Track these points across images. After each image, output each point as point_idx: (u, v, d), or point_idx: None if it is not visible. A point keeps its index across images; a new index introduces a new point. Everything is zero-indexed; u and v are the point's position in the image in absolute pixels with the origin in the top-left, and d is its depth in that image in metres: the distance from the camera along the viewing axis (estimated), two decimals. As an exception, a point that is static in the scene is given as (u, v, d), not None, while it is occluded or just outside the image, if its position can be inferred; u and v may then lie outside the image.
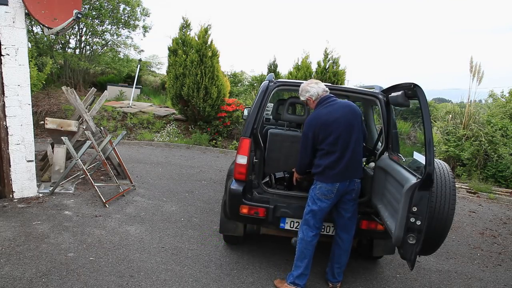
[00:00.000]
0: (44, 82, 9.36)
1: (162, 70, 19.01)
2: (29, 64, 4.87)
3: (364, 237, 3.57)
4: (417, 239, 2.44)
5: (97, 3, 12.46)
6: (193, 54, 9.50)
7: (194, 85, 9.48)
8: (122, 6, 13.27)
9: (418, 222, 2.42)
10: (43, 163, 6.06)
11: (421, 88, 2.52)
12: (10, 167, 4.60)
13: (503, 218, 6.00)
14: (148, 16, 14.56)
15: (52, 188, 4.95)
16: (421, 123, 2.51)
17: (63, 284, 2.89)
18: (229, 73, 15.73)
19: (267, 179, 3.73)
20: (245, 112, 5.85)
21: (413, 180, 2.45)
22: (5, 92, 4.45)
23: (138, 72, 13.60)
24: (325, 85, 3.17)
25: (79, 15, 4.77)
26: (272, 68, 13.21)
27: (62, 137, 4.87)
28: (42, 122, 5.44)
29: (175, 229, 4.17)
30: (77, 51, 13.87)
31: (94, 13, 12.60)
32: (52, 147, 5.49)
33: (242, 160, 3.22)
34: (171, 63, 9.89)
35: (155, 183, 5.93)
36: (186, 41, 9.80)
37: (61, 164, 5.27)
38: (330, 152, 2.93)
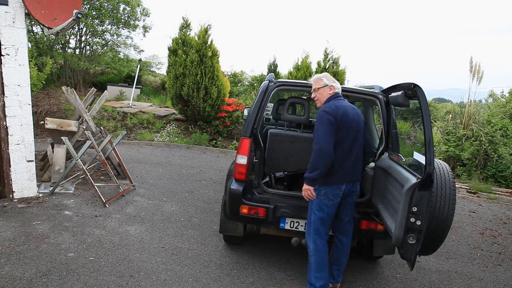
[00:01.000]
0: (44, 82, 9.36)
1: (162, 70, 19.02)
2: (29, 64, 4.87)
3: (364, 237, 3.57)
4: (417, 239, 2.44)
5: (97, 3, 12.46)
6: (193, 54, 9.50)
7: (194, 85, 9.48)
8: (122, 6, 13.26)
9: (418, 222, 2.42)
10: (43, 163, 6.06)
11: (421, 88, 2.52)
12: (10, 167, 4.60)
13: (503, 218, 6.00)
14: (148, 16, 14.57)
15: (52, 188, 4.95)
16: (421, 123, 2.51)
17: (63, 284, 2.89)
18: (229, 73, 15.73)
19: (267, 179, 3.73)
20: (245, 112, 5.85)
21: (413, 180, 2.45)
22: (5, 92, 4.44)
23: (138, 72, 13.60)
24: None
25: (79, 15, 4.77)
26: (272, 68, 13.21)
27: (62, 137, 4.87)
28: (42, 122, 5.44)
29: (175, 229, 4.17)
30: (77, 51, 13.87)
31: (94, 13, 12.59)
32: (52, 147, 5.49)
33: (242, 160, 3.22)
34: (171, 63, 9.89)
35: (155, 183, 5.93)
36: (186, 41, 9.80)
37: (61, 164, 5.27)
38: (340, 149, 2.82)
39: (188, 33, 9.93)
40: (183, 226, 4.28)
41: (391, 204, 2.78)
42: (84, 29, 13.23)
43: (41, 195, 4.83)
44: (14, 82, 4.48)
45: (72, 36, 13.49)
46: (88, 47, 14.05)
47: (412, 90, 2.64)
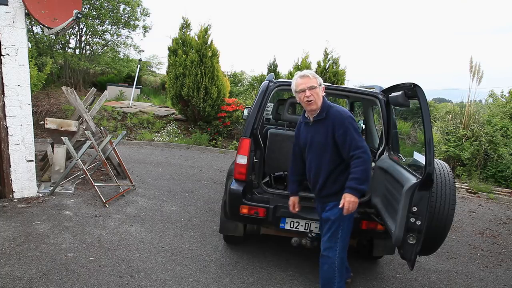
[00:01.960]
0: (44, 82, 9.37)
1: (162, 70, 19.01)
2: (29, 64, 4.87)
3: (364, 237, 3.57)
4: (417, 239, 2.44)
5: (97, 3, 12.46)
6: (193, 54, 9.51)
7: (194, 85, 9.48)
8: (122, 6, 13.27)
9: (418, 222, 2.41)
10: (43, 163, 6.06)
11: (421, 88, 2.52)
12: (10, 167, 4.60)
13: (503, 218, 6.00)
14: (148, 16, 14.57)
15: (52, 188, 4.95)
16: (421, 123, 2.51)
17: (63, 284, 2.89)
18: (229, 73, 15.72)
19: (267, 179, 3.73)
20: (245, 112, 5.85)
21: (413, 180, 2.45)
22: (5, 92, 4.44)
23: (138, 72, 13.60)
24: (326, 85, 3.17)
25: (79, 15, 4.77)
26: (272, 68, 13.21)
27: (62, 137, 4.88)
28: (42, 122, 5.44)
29: (175, 229, 4.17)
30: (77, 51, 13.87)
31: (94, 13, 12.60)
32: (52, 147, 5.50)
33: (242, 160, 3.22)
34: (171, 63, 9.89)
35: (155, 183, 5.93)
36: (186, 41, 9.80)
37: (61, 164, 5.27)
38: None
39: (188, 33, 9.94)
40: (183, 226, 4.28)
41: (391, 204, 2.78)
42: (84, 29, 13.23)
43: (41, 195, 4.83)
44: (14, 82, 4.48)
45: (72, 36, 13.51)
46: (88, 47, 14.05)
47: (412, 90, 2.64)
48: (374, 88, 3.65)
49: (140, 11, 13.95)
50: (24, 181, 4.72)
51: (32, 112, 4.77)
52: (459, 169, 8.46)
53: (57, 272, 3.06)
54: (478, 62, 8.72)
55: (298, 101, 2.75)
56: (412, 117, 11.53)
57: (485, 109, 10.71)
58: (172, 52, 9.92)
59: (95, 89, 6.69)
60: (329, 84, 3.83)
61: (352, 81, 22.80)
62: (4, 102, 4.45)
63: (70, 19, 4.75)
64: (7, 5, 4.30)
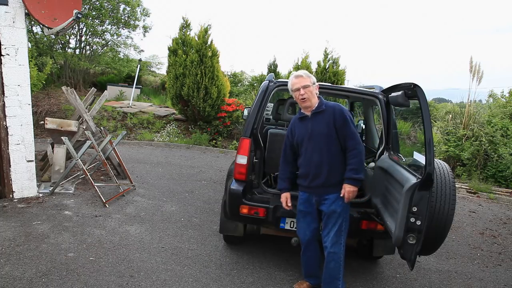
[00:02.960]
0: (44, 82, 9.37)
1: (162, 70, 19.02)
2: (29, 64, 4.87)
3: (364, 237, 3.57)
4: (417, 239, 2.44)
5: (97, 3, 12.46)
6: (193, 54, 9.51)
7: (194, 85, 9.48)
8: (122, 6, 13.27)
9: (418, 222, 2.41)
10: (43, 163, 6.06)
11: (421, 88, 2.52)
12: (10, 167, 4.60)
13: (503, 218, 6.00)
14: (148, 16, 14.58)
15: (52, 188, 4.95)
16: (421, 123, 2.51)
17: (63, 284, 2.89)
18: (229, 73, 15.73)
19: (267, 179, 3.73)
20: (245, 112, 5.85)
21: (413, 180, 2.45)
22: (5, 92, 4.45)
23: (138, 72, 13.61)
24: (326, 85, 3.17)
25: (79, 15, 4.77)
26: (272, 68, 13.21)
27: (62, 137, 4.88)
28: (42, 122, 5.44)
29: (175, 229, 4.17)
30: (77, 51, 13.87)
31: (94, 13, 12.60)
32: (52, 147, 5.50)
33: (242, 160, 3.22)
34: (171, 63, 9.89)
35: (155, 183, 5.93)
36: (186, 41, 9.81)
37: (61, 164, 5.27)
38: None
39: (188, 33, 9.94)
40: (183, 226, 4.28)
41: (391, 204, 2.78)
42: (84, 29, 13.24)
43: (41, 195, 4.83)
44: (14, 82, 4.48)
45: (72, 36, 13.51)
46: (88, 47, 14.06)
47: (412, 90, 2.64)
48: (374, 88, 3.65)
49: (140, 11, 13.96)
50: (24, 181, 4.72)
51: (32, 112, 4.77)
52: (459, 169, 8.46)
53: (57, 272, 3.06)
54: (478, 62, 8.73)
55: (294, 99, 2.91)
56: (412, 117, 11.53)
57: (485, 109, 10.71)
58: (172, 52, 9.93)
59: (95, 89, 6.69)
60: (329, 84, 3.83)
61: (352, 81, 22.81)
62: (4, 102, 4.46)
63: (70, 19, 4.75)
64: (7, 5, 4.30)
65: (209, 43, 9.64)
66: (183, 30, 9.97)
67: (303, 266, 3.08)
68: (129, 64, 14.60)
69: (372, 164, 3.63)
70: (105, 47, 14.29)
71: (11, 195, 4.65)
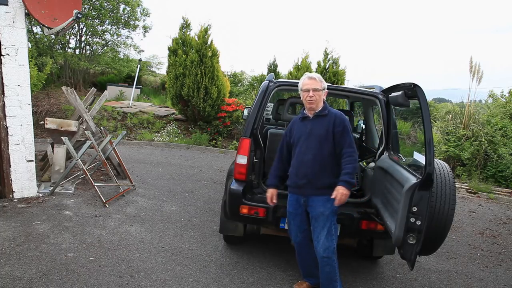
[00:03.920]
0: (44, 82, 9.37)
1: (162, 70, 19.02)
2: (29, 64, 4.87)
3: (364, 237, 3.57)
4: (417, 239, 2.44)
5: (97, 3, 12.46)
6: (193, 54, 9.51)
7: (194, 85, 9.48)
8: (122, 6, 13.27)
9: (418, 222, 2.42)
10: (43, 163, 6.06)
11: (421, 88, 2.52)
12: (10, 167, 4.60)
13: (503, 218, 6.00)
14: (148, 16, 14.58)
15: (52, 188, 4.95)
16: (421, 123, 2.52)
17: (63, 284, 2.89)
18: (229, 73, 15.73)
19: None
20: (245, 112, 5.86)
21: (413, 180, 2.45)
22: (5, 92, 4.45)
23: (138, 72, 13.60)
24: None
25: (79, 15, 4.77)
26: (272, 68, 13.22)
27: (62, 137, 4.88)
28: (42, 122, 5.44)
29: (175, 229, 4.17)
30: (77, 51, 13.87)
31: (94, 13, 12.60)
32: (52, 147, 5.50)
33: (242, 160, 3.22)
34: (171, 63, 9.89)
35: (155, 183, 5.93)
36: (186, 41, 9.81)
37: (61, 164, 5.27)
38: None
39: (188, 33, 9.94)
40: (183, 226, 4.28)
41: (391, 204, 2.78)
42: (84, 29, 13.24)
43: (41, 195, 4.83)
44: (14, 82, 4.48)
45: (72, 36, 13.51)
46: (88, 47, 14.06)
47: (412, 90, 2.64)
48: (374, 88, 3.65)
49: (140, 11, 13.96)
50: (24, 181, 4.72)
51: (32, 112, 4.77)
52: (459, 169, 8.46)
53: (57, 272, 3.06)
54: (478, 62, 8.74)
55: (301, 98, 2.92)
56: (412, 117, 11.53)
57: (485, 109, 10.71)
58: (172, 52, 9.93)
59: (95, 89, 6.69)
60: (329, 84, 3.83)
61: (352, 81, 22.82)
62: (4, 102, 4.45)
63: (70, 19, 4.75)
64: (7, 5, 4.30)
65: (209, 43, 9.64)
66: (183, 30, 9.97)
67: (300, 266, 3.10)
68: (129, 64, 14.60)
69: (372, 164, 3.63)
70: (105, 47, 14.28)
71: (11, 195, 4.65)
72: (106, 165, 5.27)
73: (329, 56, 10.51)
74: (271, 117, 5.43)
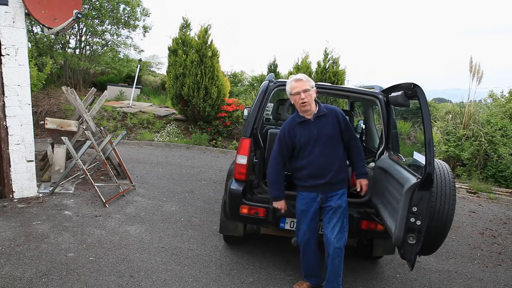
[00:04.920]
0: (44, 82, 9.37)
1: (162, 70, 19.04)
2: (29, 64, 4.87)
3: (364, 237, 3.57)
4: (417, 239, 2.44)
5: (97, 3, 12.46)
6: (193, 54, 9.51)
7: (194, 85, 9.48)
8: (122, 6, 13.27)
9: (418, 222, 2.41)
10: (43, 163, 6.06)
11: (421, 88, 2.52)
12: (10, 167, 4.60)
13: (503, 218, 6.00)
14: (148, 16, 14.59)
15: (52, 188, 4.95)
16: (421, 123, 2.52)
17: (63, 284, 2.89)
18: (229, 73, 15.74)
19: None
20: (245, 112, 5.86)
21: (413, 180, 2.45)
22: (5, 92, 4.45)
23: (138, 72, 13.60)
24: (326, 85, 3.19)
25: (79, 15, 4.77)
26: (272, 68, 13.22)
27: (62, 137, 4.88)
28: (42, 122, 5.44)
29: (175, 229, 4.17)
30: (77, 51, 13.88)
31: (94, 13, 12.60)
32: (52, 147, 5.50)
33: (242, 160, 3.22)
34: (171, 63, 9.89)
35: (155, 183, 5.93)
36: (186, 41, 9.80)
37: (61, 164, 5.27)
38: None
39: (188, 33, 9.94)
40: (183, 226, 4.28)
41: (391, 204, 2.78)
42: (84, 29, 13.24)
43: (41, 195, 4.83)
44: (14, 82, 4.48)
45: (72, 36, 13.51)
46: (88, 47, 14.06)
47: (412, 90, 2.64)
48: (374, 88, 3.65)
49: (140, 11, 13.97)
50: (24, 181, 4.72)
51: (32, 112, 4.77)
52: (459, 169, 8.46)
53: (57, 272, 3.06)
54: (478, 62, 8.74)
55: (292, 103, 2.91)
56: (412, 117, 11.53)
57: (485, 109, 10.71)
58: (172, 52, 9.93)
59: (95, 89, 6.69)
60: (329, 84, 3.83)
61: (352, 81, 22.83)
62: (4, 102, 4.45)
63: (70, 19, 4.75)
64: (7, 5, 4.30)
65: (209, 43, 9.64)
66: (183, 30, 9.97)
67: (303, 266, 3.08)
68: (129, 64, 14.60)
69: (372, 164, 3.63)
70: (105, 47, 14.29)
71: (11, 195, 4.65)
72: (106, 165, 5.27)
73: (329, 56, 10.50)
74: (271, 117, 5.43)
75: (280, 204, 2.99)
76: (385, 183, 2.97)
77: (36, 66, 9.23)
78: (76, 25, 11.87)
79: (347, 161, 3.03)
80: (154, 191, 5.53)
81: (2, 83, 4.42)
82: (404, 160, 3.17)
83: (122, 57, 14.68)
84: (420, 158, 2.76)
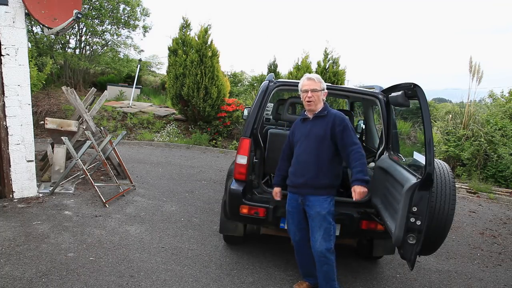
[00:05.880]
0: (44, 82, 9.37)
1: (162, 70, 19.04)
2: (29, 64, 4.87)
3: (364, 237, 3.57)
4: (417, 239, 2.44)
5: (97, 3, 12.46)
6: (193, 54, 9.51)
7: (194, 85, 9.48)
8: (122, 6, 13.28)
9: (418, 222, 2.41)
10: (43, 163, 6.06)
11: (421, 88, 2.52)
12: (10, 167, 4.60)
13: (503, 218, 6.00)
14: (148, 16, 14.59)
15: (52, 188, 4.95)
16: (421, 123, 2.51)
17: (63, 284, 2.89)
18: (229, 73, 15.73)
19: (267, 179, 3.73)
20: (245, 112, 5.86)
21: (413, 180, 2.45)
22: (5, 92, 4.45)
23: (138, 72, 13.61)
24: (326, 85, 3.18)
25: (79, 15, 4.77)
26: (272, 68, 13.21)
27: (62, 137, 4.88)
28: (42, 122, 5.44)
29: (175, 229, 4.17)
30: (77, 51, 13.87)
31: (94, 13, 12.60)
32: (52, 147, 5.49)
33: (242, 160, 3.22)
34: (171, 63, 9.89)
35: (155, 183, 5.93)
36: (186, 41, 9.81)
37: (61, 164, 5.27)
38: None
39: (188, 33, 9.94)
40: (183, 226, 4.28)
41: (391, 204, 2.78)
42: (84, 29, 13.24)
43: (41, 195, 4.83)
44: (14, 82, 4.48)
45: (72, 36, 13.51)
46: (88, 47, 14.06)
47: (412, 90, 2.64)
48: (374, 88, 3.65)
49: (140, 11, 13.97)
50: (24, 181, 4.72)
51: (32, 112, 4.77)
52: (459, 169, 8.46)
53: (57, 272, 3.06)
54: (477, 62, 8.74)
55: (301, 99, 2.95)
56: (412, 117, 11.53)
57: (484, 109, 10.71)
58: (172, 52, 9.93)
59: (95, 89, 6.69)
60: (329, 84, 3.83)
61: (352, 81, 22.82)
62: (4, 102, 4.45)
63: (70, 19, 4.75)
64: (7, 5, 4.30)
65: (209, 43, 9.64)
66: (183, 30, 9.97)
67: (299, 266, 3.11)
68: (129, 64, 14.60)
69: (372, 164, 3.63)
70: (105, 47, 14.29)
71: (11, 195, 4.65)
72: (106, 165, 5.27)
73: (329, 56, 10.51)
74: (271, 117, 5.43)
75: (274, 191, 3.08)
76: (385, 183, 2.97)
77: (36, 66, 9.23)
78: (76, 25, 11.86)
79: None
80: (154, 191, 5.53)
81: (2, 83, 4.42)
82: (404, 160, 3.17)
83: (122, 57, 14.68)
84: (420, 158, 2.76)
